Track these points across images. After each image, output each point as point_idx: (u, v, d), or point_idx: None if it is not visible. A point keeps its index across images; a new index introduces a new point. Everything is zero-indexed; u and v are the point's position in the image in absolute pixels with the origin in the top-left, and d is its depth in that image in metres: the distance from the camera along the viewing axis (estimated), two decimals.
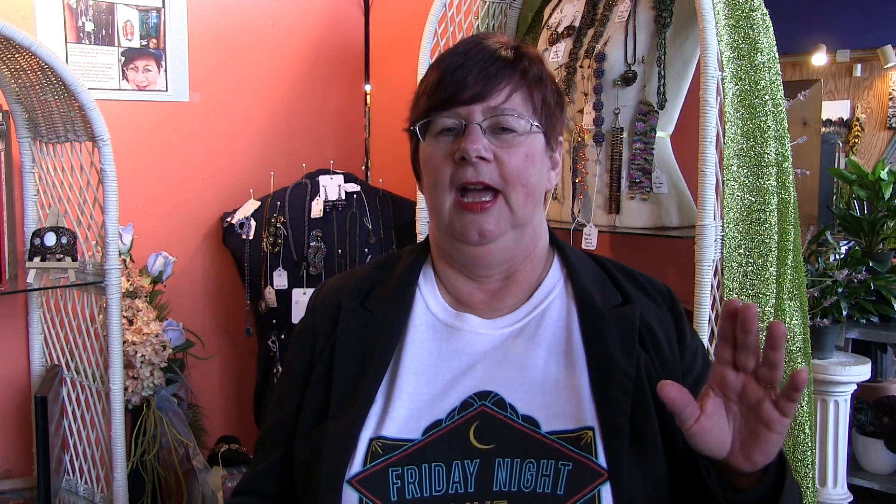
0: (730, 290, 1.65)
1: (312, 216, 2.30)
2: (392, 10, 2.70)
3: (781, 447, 0.85)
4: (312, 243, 2.28)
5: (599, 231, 1.87)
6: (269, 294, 2.28)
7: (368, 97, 2.69)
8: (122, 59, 2.25)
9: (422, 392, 0.98)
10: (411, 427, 0.95)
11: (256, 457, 1.09)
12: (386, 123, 2.69)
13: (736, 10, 1.69)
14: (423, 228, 2.00)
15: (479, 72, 0.97)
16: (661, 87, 1.81)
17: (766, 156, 1.67)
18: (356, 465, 0.93)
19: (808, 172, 2.56)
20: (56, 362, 2.03)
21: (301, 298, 2.27)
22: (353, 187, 2.35)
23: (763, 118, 1.67)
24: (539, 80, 1.01)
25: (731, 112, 1.65)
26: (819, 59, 4.65)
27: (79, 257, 1.89)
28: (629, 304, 1.03)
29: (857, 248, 2.67)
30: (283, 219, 2.30)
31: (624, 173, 1.85)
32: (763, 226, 1.67)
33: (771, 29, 1.75)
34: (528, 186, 0.99)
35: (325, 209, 2.30)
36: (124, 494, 1.87)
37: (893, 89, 4.76)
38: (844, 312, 2.42)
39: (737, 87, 1.66)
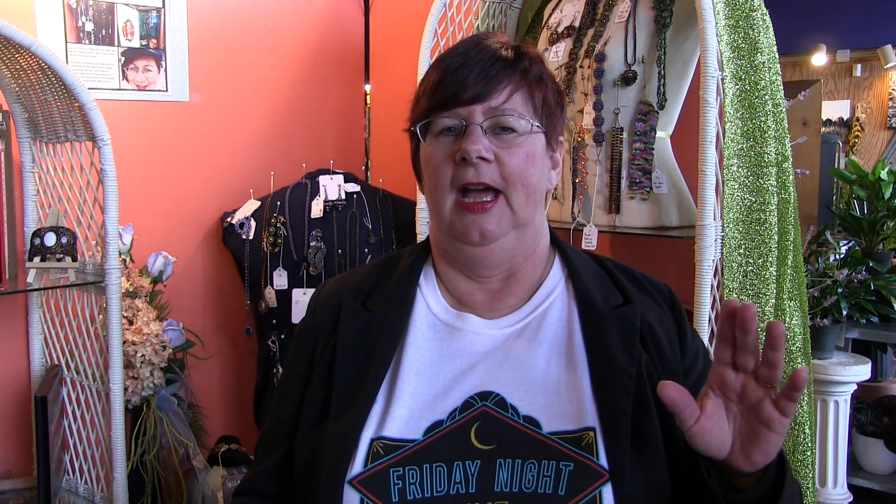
0: (730, 290, 1.65)
1: (312, 216, 2.30)
2: (392, 10, 2.70)
3: (781, 447, 0.85)
4: (312, 243, 2.28)
5: (599, 231, 1.87)
6: (269, 294, 2.28)
7: (368, 97, 2.69)
8: (122, 59, 2.25)
9: (423, 392, 0.98)
10: (412, 427, 0.95)
11: (257, 457, 1.09)
12: (386, 123, 2.69)
13: (736, 10, 1.69)
14: (423, 228, 2.00)
15: (480, 72, 0.97)
16: (661, 87, 1.81)
17: (766, 156, 1.67)
18: (357, 465, 0.93)
19: (808, 172, 2.56)
20: (56, 362, 2.03)
21: (301, 298, 2.27)
22: (353, 187, 2.35)
23: (763, 118, 1.67)
24: (539, 79, 1.01)
25: (731, 112, 1.65)
26: (819, 59, 4.65)
27: (79, 257, 1.89)
28: (630, 304, 1.03)
29: (857, 248, 2.67)
30: (283, 219, 2.30)
31: (624, 173, 1.85)
32: (763, 226, 1.67)
33: (771, 29, 1.75)
34: (529, 186, 0.99)
35: (325, 209, 2.30)
36: (124, 494, 1.87)
37: (893, 89, 4.77)
38: (844, 312, 2.42)
39: (737, 87, 1.66)
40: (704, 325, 1.62)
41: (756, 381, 0.82)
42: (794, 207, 1.76)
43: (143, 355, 1.99)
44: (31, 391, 2.07)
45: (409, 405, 0.97)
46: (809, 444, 1.74)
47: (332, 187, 2.33)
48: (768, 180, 1.67)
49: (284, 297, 2.28)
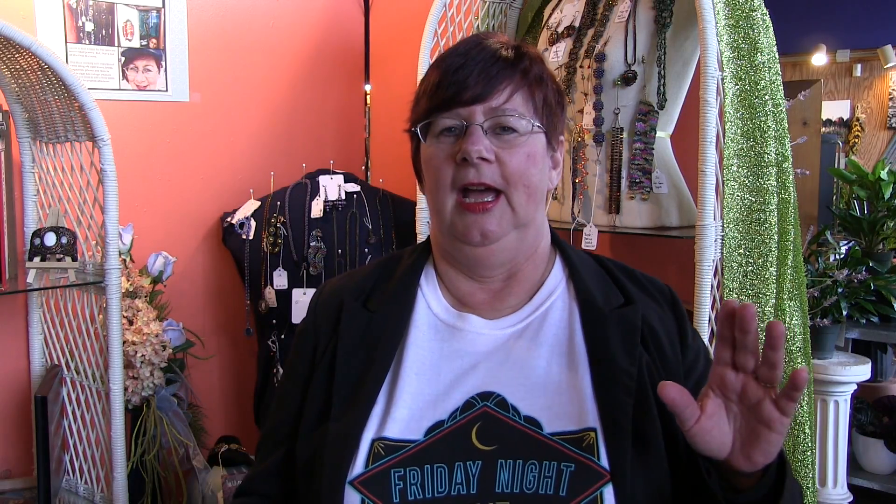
0: (730, 290, 1.65)
1: (312, 216, 2.30)
2: (392, 10, 2.70)
3: (781, 447, 0.85)
4: (312, 243, 2.28)
5: (599, 231, 1.87)
6: (269, 294, 2.28)
7: (368, 97, 2.69)
8: (122, 59, 2.25)
9: (423, 392, 0.98)
10: (413, 428, 0.95)
11: (258, 457, 1.09)
12: (386, 123, 2.69)
13: (736, 10, 1.69)
14: (423, 228, 2.00)
15: (480, 72, 0.97)
16: (661, 87, 1.81)
17: (766, 156, 1.67)
18: (358, 466, 0.93)
19: (808, 172, 2.56)
20: (56, 362, 2.03)
21: (301, 298, 2.27)
22: (353, 187, 2.35)
23: (763, 118, 1.67)
24: (540, 79, 1.01)
25: (731, 112, 1.65)
26: (819, 59, 4.65)
27: (79, 257, 1.89)
28: (631, 304, 1.03)
29: (857, 248, 2.67)
30: (283, 219, 2.30)
31: (624, 173, 1.85)
32: (763, 226, 1.67)
33: (771, 29, 1.75)
34: (530, 186, 0.99)
35: (325, 209, 2.30)
36: (124, 494, 1.87)
37: (893, 89, 4.76)
38: (844, 312, 2.42)
39: (737, 87, 1.66)
40: (704, 325, 1.62)
41: (756, 381, 0.82)
42: (794, 207, 1.76)
43: (143, 355, 1.99)
44: (31, 391, 2.07)
45: (410, 405, 0.97)
46: (809, 444, 1.74)
47: (332, 187, 2.33)
48: (768, 180, 1.67)
49: (284, 297, 2.28)
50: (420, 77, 1.56)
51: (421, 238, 2.00)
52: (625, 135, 1.85)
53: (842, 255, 2.60)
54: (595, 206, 1.89)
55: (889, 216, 2.72)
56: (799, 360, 1.75)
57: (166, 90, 2.33)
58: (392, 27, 2.70)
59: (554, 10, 2.13)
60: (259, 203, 2.35)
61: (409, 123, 1.05)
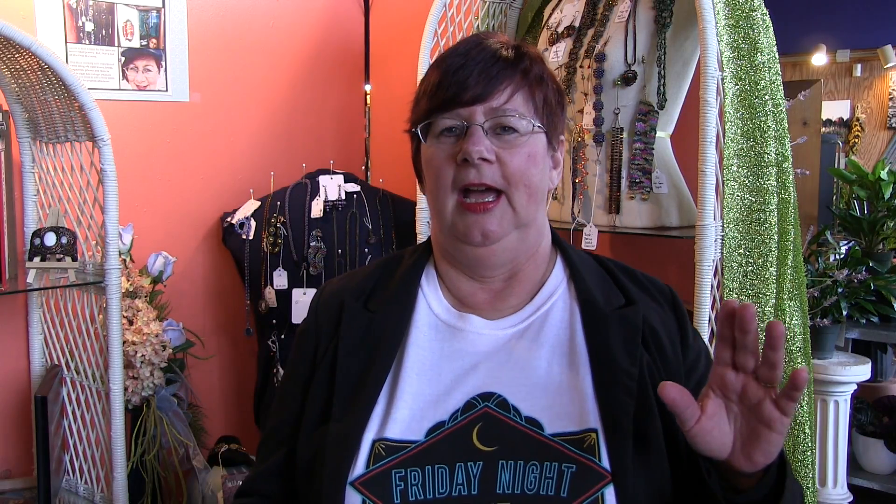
0: (730, 290, 1.65)
1: (312, 216, 2.30)
2: (392, 10, 2.70)
3: (782, 448, 0.85)
4: (312, 243, 2.28)
5: (599, 231, 1.87)
6: (269, 294, 2.28)
7: (368, 97, 2.69)
8: (122, 59, 2.25)
9: (424, 393, 0.98)
10: (414, 428, 0.95)
11: (259, 457, 1.09)
12: (386, 123, 2.69)
13: (736, 10, 1.69)
14: (423, 228, 2.00)
15: (481, 72, 0.97)
16: (661, 87, 1.81)
17: (766, 156, 1.67)
18: (359, 466, 0.92)
19: (808, 172, 2.56)
20: (56, 362, 2.03)
21: (301, 298, 2.27)
22: (353, 187, 2.35)
23: (763, 118, 1.67)
24: (540, 79, 1.01)
25: (731, 112, 1.65)
26: (819, 59, 4.65)
27: (79, 257, 1.89)
28: (632, 305, 1.03)
29: (857, 248, 2.67)
30: (283, 219, 2.30)
31: (624, 173, 1.85)
32: (763, 226, 1.67)
33: (771, 29, 1.75)
34: (531, 186, 0.99)
35: (325, 209, 2.30)
36: (124, 494, 1.87)
37: (893, 89, 4.76)
38: (844, 312, 2.42)
39: (737, 87, 1.66)
40: (704, 325, 1.62)
41: (756, 382, 0.82)
42: (794, 207, 1.76)
43: (143, 355, 1.99)
44: (31, 391, 2.07)
45: (411, 406, 0.97)
46: (809, 444, 1.74)
47: (332, 187, 2.33)
48: (768, 180, 1.67)
49: (284, 297, 2.28)
50: (420, 77, 1.56)
51: (421, 238, 2.00)
52: (625, 135, 1.85)
53: (842, 255, 2.60)
54: (595, 206, 1.89)
55: (889, 216, 2.72)
56: (799, 360, 1.75)
57: (166, 90, 2.33)
58: (392, 27, 2.70)
59: (554, 10, 2.13)
60: (259, 203, 2.35)
61: (409, 124, 1.05)
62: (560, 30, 2.05)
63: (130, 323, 2.03)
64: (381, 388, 0.98)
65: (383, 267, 1.11)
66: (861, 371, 2.35)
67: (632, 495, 0.89)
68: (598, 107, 1.87)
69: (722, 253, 1.65)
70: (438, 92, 0.99)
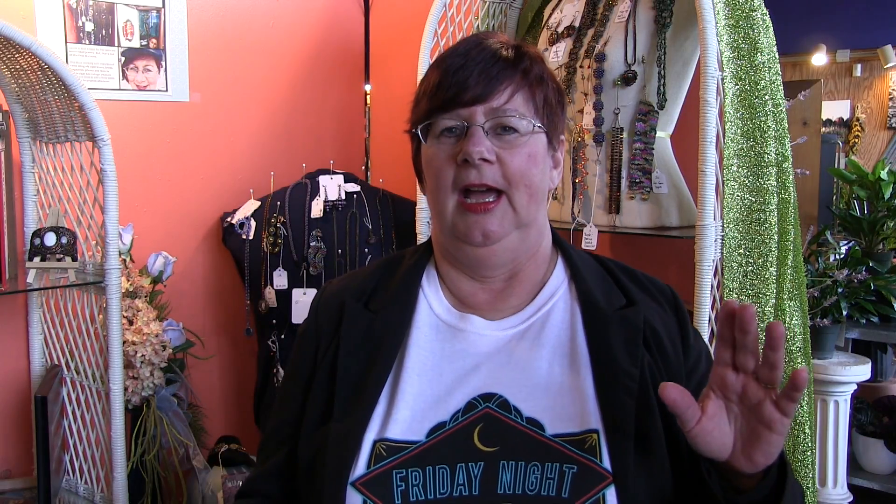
0: (730, 290, 1.65)
1: (312, 216, 2.30)
2: (392, 10, 2.70)
3: (782, 448, 0.85)
4: (312, 243, 2.28)
5: (599, 231, 1.87)
6: (269, 294, 2.28)
7: (368, 97, 2.69)
8: (122, 59, 2.25)
9: (425, 393, 0.97)
10: (415, 429, 0.95)
11: (260, 458, 1.09)
12: (386, 123, 2.69)
13: (736, 10, 1.69)
14: (423, 228, 2.00)
15: (481, 72, 0.97)
16: (661, 87, 1.81)
17: (766, 156, 1.67)
18: (360, 467, 0.92)
19: (808, 172, 2.56)
20: (56, 362, 2.03)
21: (301, 298, 2.27)
22: (353, 187, 2.35)
23: (763, 118, 1.67)
24: (540, 79, 1.01)
25: (731, 112, 1.65)
26: (819, 59, 4.65)
27: (79, 257, 1.89)
28: (633, 305, 1.03)
29: (857, 248, 2.67)
30: (283, 219, 2.30)
31: (624, 173, 1.85)
32: (763, 226, 1.67)
33: (771, 29, 1.75)
34: (532, 186, 0.98)
35: (325, 209, 2.30)
36: (124, 494, 1.87)
37: (893, 89, 4.76)
38: (844, 312, 2.42)
39: (737, 87, 1.66)
40: (704, 325, 1.62)
41: (756, 382, 0.82)
42: (794, 207, 1.76)
43: (143, 355, 1.99)
44: (31, 391, 2.07)
45: (412, 406, 0.96)
46: (809, 444, 1.74)
47: (332, 187, 2.33)
48: (768, 180, 1.67)
49: (284, 297, 2.28)
50: (420, 77, 1.56)
51: (421, 238, 2.00)
52: (625, 135, 1.85)
53: (842, 255, 2.60)
54: (595, 206, 1.89)
55: (889, 216, 2.72)
56: (799, 361, 1.75)
57: (166, 90, 2.33)
58: (392, 27, 2.70)
59: (554, 10, 2.13)
60: (259, 203, 2.35)
61: (409, 124, 1.05)
62: (560, 30, 2.05)
63: (130, 323, 2.03)
64: (382, 388, 0.98)
65: (384, 267, 1.11)
66: (861, 371, 2.35)
67: (633, 496, 0.89)
68: (598, 107, 1.87)
69: (722, 253, 1.65)
70: (438, 92, 0.99)
